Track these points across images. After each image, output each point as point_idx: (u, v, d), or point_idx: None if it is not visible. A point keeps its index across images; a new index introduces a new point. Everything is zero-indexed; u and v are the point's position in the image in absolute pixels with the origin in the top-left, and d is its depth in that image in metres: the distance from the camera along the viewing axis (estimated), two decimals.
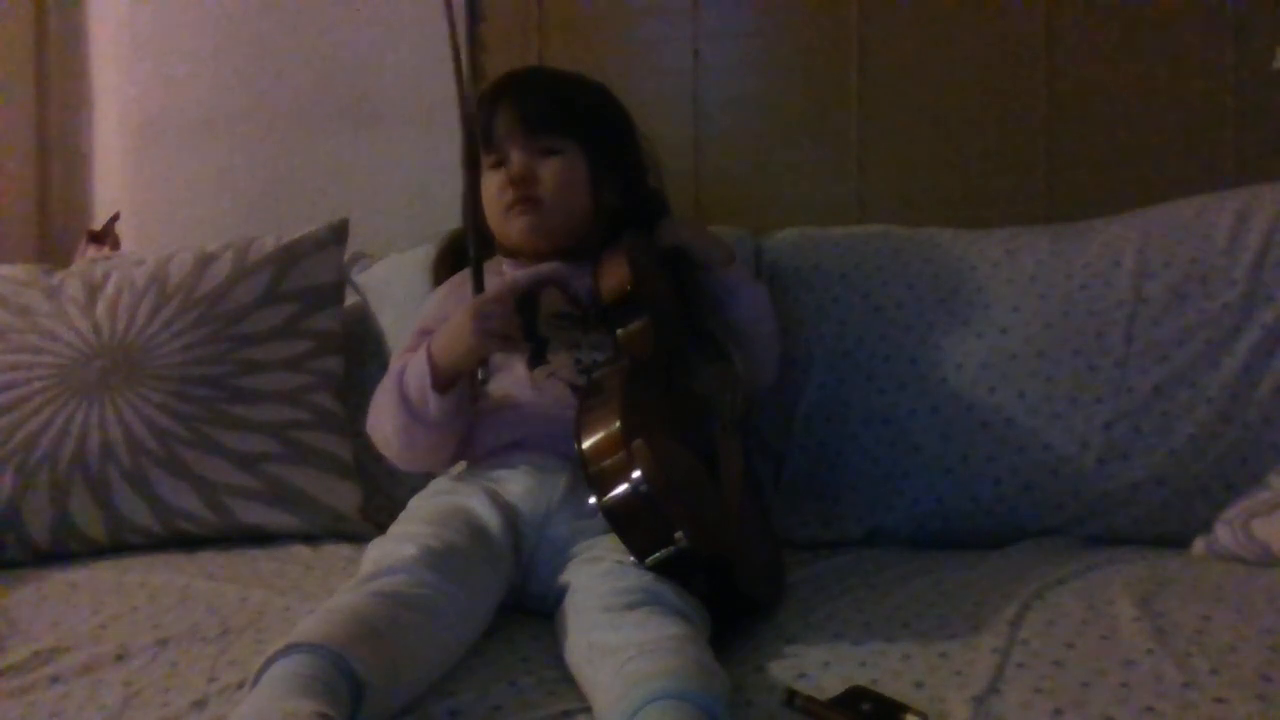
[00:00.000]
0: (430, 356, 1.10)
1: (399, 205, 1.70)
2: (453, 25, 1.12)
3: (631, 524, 0.92)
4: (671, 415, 1.06)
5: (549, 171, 1.21)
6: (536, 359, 1.15)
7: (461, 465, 1.17)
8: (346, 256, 1.50)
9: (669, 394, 1.08)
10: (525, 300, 1.17)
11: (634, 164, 1.29)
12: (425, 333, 1.20)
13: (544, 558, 1.03)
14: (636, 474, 0.91)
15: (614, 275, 1.15)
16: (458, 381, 1.10)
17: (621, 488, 0.92)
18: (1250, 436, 1.18)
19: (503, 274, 1.24)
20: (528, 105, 1.22)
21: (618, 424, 0.95)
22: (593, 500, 0.93)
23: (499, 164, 1.22)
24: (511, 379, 1.16)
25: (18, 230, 1.88)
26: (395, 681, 0.80)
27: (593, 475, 0.94)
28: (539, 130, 1.21)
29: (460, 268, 1.27)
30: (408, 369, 1.12)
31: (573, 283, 1.21)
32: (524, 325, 1.13)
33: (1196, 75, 1.50)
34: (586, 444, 0.96)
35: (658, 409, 1.03)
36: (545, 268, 1.22)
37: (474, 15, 1.70)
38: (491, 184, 1.23)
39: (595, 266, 1.18)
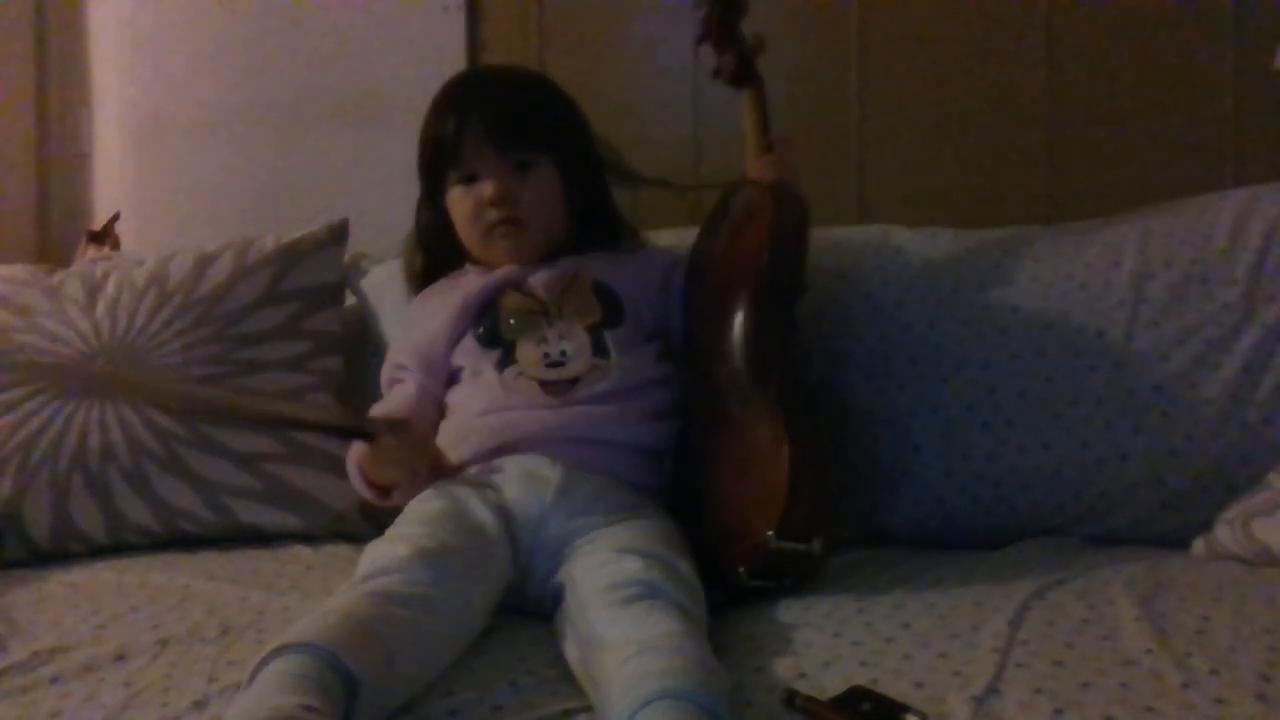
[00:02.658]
0: (364, 478, 1.16)
1: (399, 205, 1.69)
2: None
3: (784, 569, 1.02)
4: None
5: (527, 189, 1.21)
6: (505, 361, 1.16)
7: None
8: (347, 257, 1.50)
9: None
10: (486, 308, 1.20)
11: (597, 156, 1.28)
12: (399, 366, 1.24)
13: (540, 559, 1.03)
14: (817, 544, 1.01)
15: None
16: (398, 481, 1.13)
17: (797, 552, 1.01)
18: (1250, 436, 1.18)
19: (466, 273, 1.27)
20: (495, 120, 1.20)
21: (806, 516, 1.01)
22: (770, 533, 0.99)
23: (467, 179, 1.22)
24: (481, 384, 1.17)
25: (18, 230, 1.89)
26: (391, 678, 0.80)
27: (775, 548, 1.00)
28: (510, 146, 1.20)
29: (430, 280, 1.30)
30: (350, 461, 1.17)
31: (528, 280, 1.21)
32: (488, 331, 1.18)
33: (1196, 75, 1.50)
34: (781, 520, 1.00)
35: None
36: (500, 273, 1.22)
37: (474, 15, 1.70)
38: (465, 202, 1.22)
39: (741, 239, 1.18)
